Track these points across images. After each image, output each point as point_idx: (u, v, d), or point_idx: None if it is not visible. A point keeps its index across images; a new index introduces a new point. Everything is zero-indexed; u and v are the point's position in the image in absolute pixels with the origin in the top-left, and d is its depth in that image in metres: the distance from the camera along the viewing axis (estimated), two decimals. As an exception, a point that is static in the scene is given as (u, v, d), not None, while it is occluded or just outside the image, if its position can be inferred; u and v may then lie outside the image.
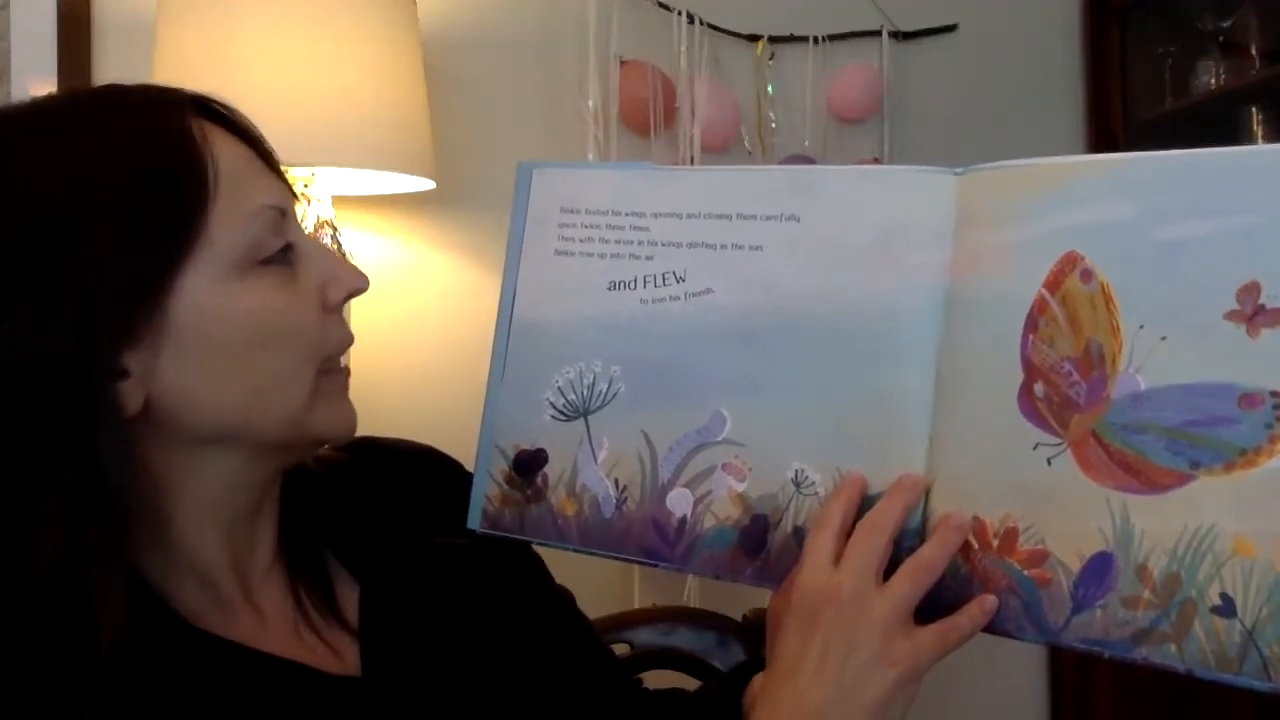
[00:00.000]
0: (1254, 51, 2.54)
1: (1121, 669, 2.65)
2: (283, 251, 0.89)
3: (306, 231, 1.95)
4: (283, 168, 2.01)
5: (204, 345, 0.85)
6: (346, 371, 0.95)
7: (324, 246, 0.95)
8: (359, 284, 0.94)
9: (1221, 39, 2.58)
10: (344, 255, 2.04)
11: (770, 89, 2.58)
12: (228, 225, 0.85)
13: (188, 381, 0.85)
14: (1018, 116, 2.75)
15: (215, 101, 0.91)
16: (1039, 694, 2.77)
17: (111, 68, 2.21)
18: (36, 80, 2.17)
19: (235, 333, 0.85)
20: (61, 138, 0.84)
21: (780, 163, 2.55)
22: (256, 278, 0.87)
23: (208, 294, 0.84)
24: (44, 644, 0.79)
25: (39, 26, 2.17)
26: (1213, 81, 2.58)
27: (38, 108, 0.88)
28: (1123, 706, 2.57)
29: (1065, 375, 0.83)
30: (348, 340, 0.94)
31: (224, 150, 0.87)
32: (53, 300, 0.80)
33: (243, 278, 0.86)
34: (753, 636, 1.45)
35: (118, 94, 0.89)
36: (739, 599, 1.57)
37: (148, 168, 0.84)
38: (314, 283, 0.91)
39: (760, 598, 0.97)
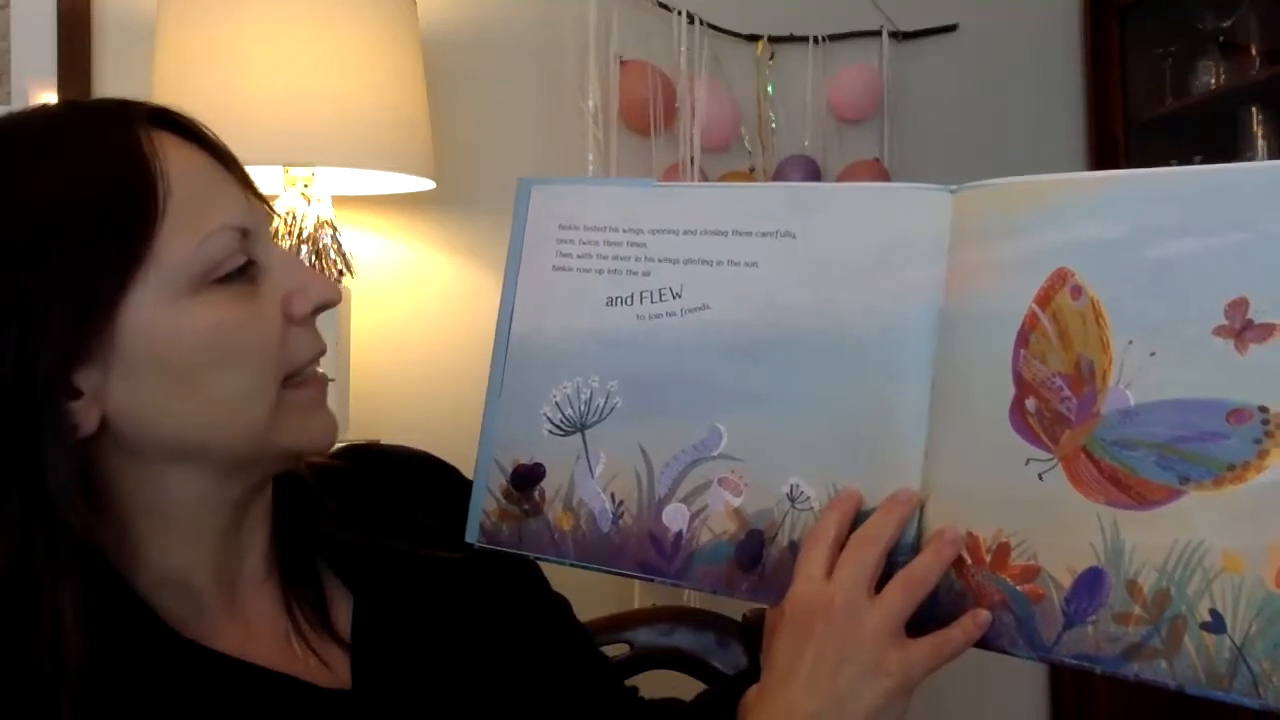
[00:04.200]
0: (1254, 51, 2.55)
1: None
2: (242, 269, 0.87)
3: (308, 230, 1.97)
4: (283, 168, 2.02)
5: (155, 364, 0.83)
6: (320, 382, 0.93)
7: (294, 259, 0.93)
8: (328, 296, 0.92)
9: (1221, 39, 2.58)
10: (344, 256, 2.04)
11: (770, 89, 2.59)
12: (179, 244, 0.83)
13: (141, 400, 0.84)
14: (1018, 117, 2.75)
15: (178, 115, 0.89)
16: (1040, 697, 2.77)
17: (111, 68, 2.21)
18: (36, 80, 2.17)
19: (187, 351, 0.84)
20: (6, 156, 0.83)
21: (780, 163, 2.56)
22: (211, 295, 0.85)
23: (157, 312, 0.83)
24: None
25: (39, 26, 2.17)
26: (1213, 81, 2.58)
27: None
28: (1122, 710, 2.58)
29: (1056, 390, 0.83)
30: (315, 350, 0.92)
31: (181, 165, 0.85)
32: None
33: (195, 295, 0.84)
34: (753, 636, 1.45)
35: (70, 110, 0.88)
36: (739, 600, 1.57)
37: (92, 185, 0.82)
38: (277, 296, 0.89)
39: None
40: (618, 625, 1.48)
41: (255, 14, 1.89)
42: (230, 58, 1.88)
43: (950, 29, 2.72)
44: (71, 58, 2.17)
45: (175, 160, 0.85)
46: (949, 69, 2.72)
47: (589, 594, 1.28)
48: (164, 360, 0.84)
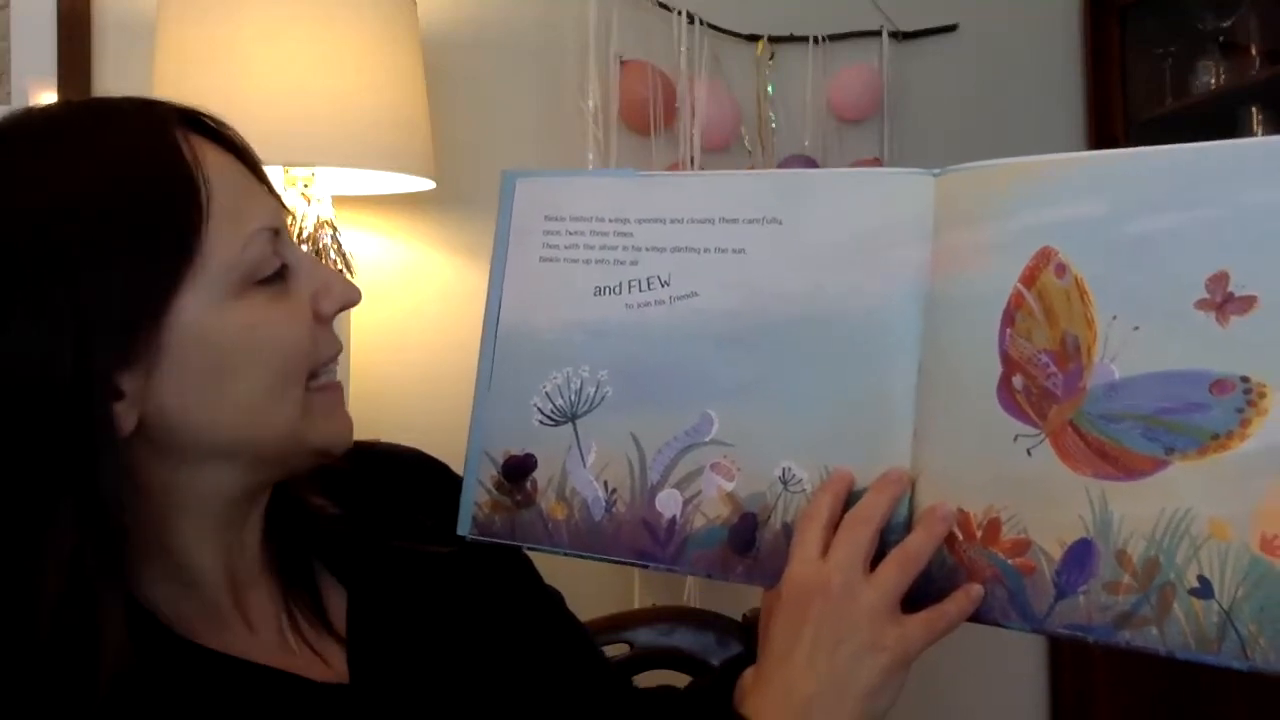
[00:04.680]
0: (1254, 51, 2.54)
1: (1121, 669, 2.62)
2: (278, 271, 0.88)
3: (308, 230, 1.98)
4: (283, 168, 2.03)
5: (199, 365, 0.84)
6: (339, 387, 0.94)
7: (315, 259, 0.95)
8: (352, 296, 0.93)
9: (1221, 39, 2.58)
10: (344, 256, 2.04)
11: (770, 89, 2.59)
12: (223, 246, 0.84)
13: (181, 400, 0.84)
14: (1018, 116, 2.75)
15: (205, 115, 0.90)
16: (1039, 695, 2.77)
17: (111, 68, 2.22)
18: (36, 80, 2.17)
19: (228, 351, 0.85)
20: (50, 157, 0.83)
21: (780, 163, 2.56)
22: (251, 296, 0.86)
23: (205, 315, 0.84)
24: (48, 673, 0.78)
25: (39, 26, 2.17)
26: (1213, 81, 2.58)
27: (25, 124, 0.86)
28: (1122, 708, 2.58)
29: (1042, 367, 0.85)
30: (335, 348, 0.93)
31: (216, 168, 0.86)
32: (49, 325, 0.79)
33: (239, 297, 0.85)
34: (752, 636, 1.45)
35: (105, 109, 0.88)
36: (739, 599, 1.58)
37: (140, 189, 0.83)
38: (305, 295, 0.90)
39: (760, 598, 0.97)
40: (618, 625, 1.48)
41: (255, 14, 1.89)
42: (230, 58, 1.88)
43: (950, 29, 2.72)
44: (71, 58, 2.17)
45: (211, 163, 0.86)
46: (949, 69, 2.72)
47: (589, 594, 1.28)
48: (207, 361, 0.84)
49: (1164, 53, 2.68)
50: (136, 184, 0.83)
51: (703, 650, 1.46)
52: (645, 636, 1.47)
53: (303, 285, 0.90)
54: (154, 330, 0.82)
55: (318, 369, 0.91)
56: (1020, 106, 2.76)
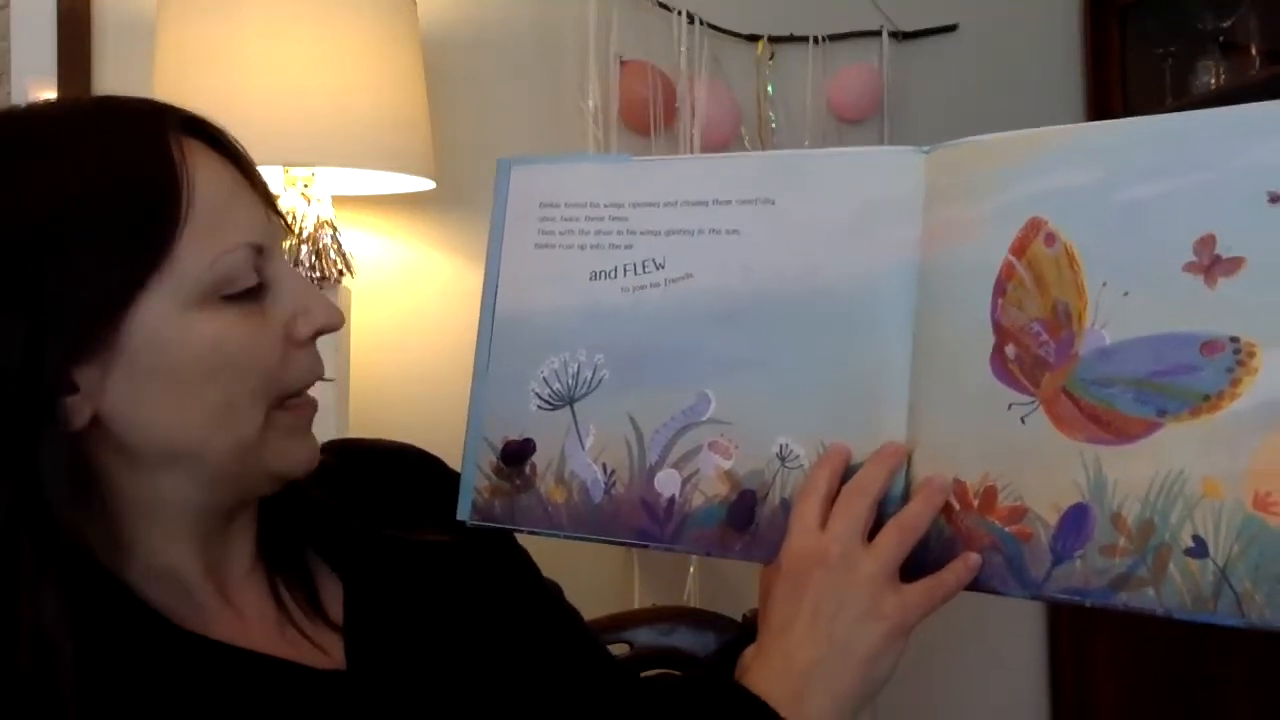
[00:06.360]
0: (1254, 51, 2.54)
1: (1121, 662, 2.59)
2: (252, 288, 0.87)
3: (308, 230, 1.98)
4: (283, 168, 2.02)
5: (155, 370, 0.84)
6: (310, 407, 0.93)
7: (301, 278, 0.93)
8: (331, 320, 0.92)
9: (1221, 39, 2.57)
10: (344, 256, 2.04)
11: (770, 89, 2.59)
12: (197, 255, 0.84)
13: (136, 403, 0.84)
14: (1018, 117, 2.71)
15: (207, 123, 0.89)
16: (1039, 692, 2.76)
17: (111, 67, 2.21)
18: (36, 80, 2.18)
19: (187, 361, 0.84)
20: (34, 150, 0.84)
21: (780, 163, 2.55)
22: (218, 310, 0.85)
23: (165, 320, 0.83)
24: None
25: (39, 26, 2.17)
26: (1213, 81, 2.57)
27: (20, 122, 0.87)
28: (1122, 703, 2.57)
29: (1034, 336, 0.85)
30: (314, 374, 0.92)
31: (207, 175, 0.86)
32: (5, 310, 0.80)
33: (204, 308, 0.85)
34: (753, 636, 1.45)
35: (104, 106, 0.88)
36: (739, 599, 1.58)
37: (118, 184, 0.83)
38: (282, 316, 0.89)
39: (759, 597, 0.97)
40: (618, 625, 1.48)
41: (255, 14, 1.89)
42: (230, 58, 1.88)
43: (950, 29, 2.71)
44: (71, 58, 2.17)
45: (202, 168, 0.85)
46: (949, 69, 2.72)
47: (589, 593, 1.28)
48: (163, 368, 0.84)
49: (1164, 53, 2.68)
50: (117, 183, 0.83)
51: (703, 650, 1.46)
52: (645, 636, 1.47)
53: (281, 305, 0.89)
54: (113, 328, 0.82)
55: (285, 393, 0.90)
56: (1020, 106, 2.75)
